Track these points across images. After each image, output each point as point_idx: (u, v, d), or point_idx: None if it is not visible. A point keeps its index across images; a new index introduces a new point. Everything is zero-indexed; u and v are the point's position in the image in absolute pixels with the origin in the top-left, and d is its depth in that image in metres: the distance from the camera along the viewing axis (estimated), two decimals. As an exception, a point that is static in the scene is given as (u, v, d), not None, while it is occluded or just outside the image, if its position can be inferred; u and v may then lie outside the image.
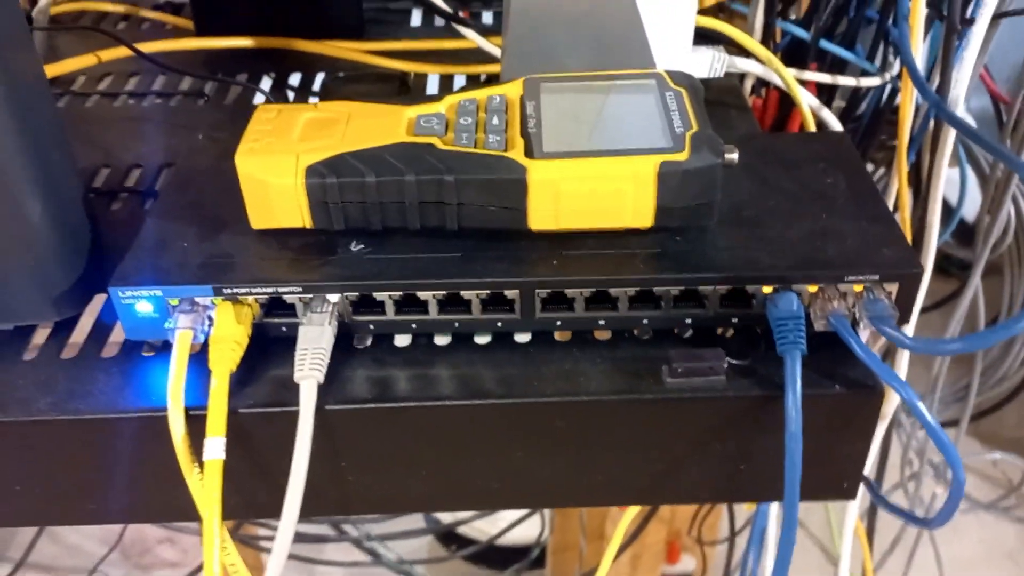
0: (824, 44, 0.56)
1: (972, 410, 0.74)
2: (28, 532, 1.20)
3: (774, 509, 0.74)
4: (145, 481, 0.34)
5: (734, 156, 0.33)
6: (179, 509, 0.33)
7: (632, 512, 0.55)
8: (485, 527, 1.09)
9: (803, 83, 0.55)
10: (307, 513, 0.33)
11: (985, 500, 1.01)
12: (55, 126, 0.35)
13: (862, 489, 0.55)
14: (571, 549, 1.11)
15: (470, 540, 1.13)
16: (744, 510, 0.89)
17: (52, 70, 0.51)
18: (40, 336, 0.35)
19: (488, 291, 0.33)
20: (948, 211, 0.75)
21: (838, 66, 0.58)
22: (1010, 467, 1.16)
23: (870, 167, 0.70)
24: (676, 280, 0.33)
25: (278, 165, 0.33)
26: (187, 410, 0.31)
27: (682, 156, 0.32)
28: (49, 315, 0.35)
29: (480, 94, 0.37)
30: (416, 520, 1.11)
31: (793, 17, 0.60)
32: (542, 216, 0.33)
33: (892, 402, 0.53)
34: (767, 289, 0.33)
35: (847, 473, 0.35)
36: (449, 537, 1.18)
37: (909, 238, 0.54)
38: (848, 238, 0.34)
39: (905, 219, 0.55)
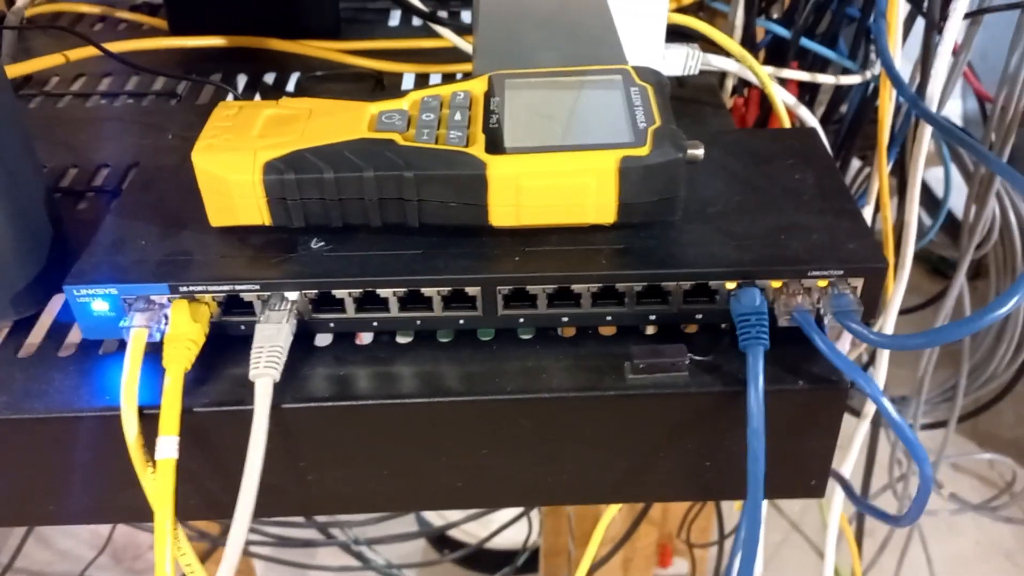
0: (805, 42, 0.56)
1: (961, 410, 0.73)
2: (16, 536, 1.20)
3: (762, 511, 0.73)
4: (103, 481, 0.33)
5: (699, 152, 0.33)
6: (137, 509, 0.32)
7: (612, 511, 0.54)
8: (476, 530, 1.09)
9: (783, 81, 0.55)
10: (267, 512, 0.33)
11: (978, 500, 1.00)
12: (15, 124, 0.34)
13: (842, 496, 0.55)
14: (562, 553, 1.10)
15: (461, 544, 1.12)
16: (735, 511, 0.88)
17: (25, 68, 0.50)
18: (-1, 335, 0.35)
19: (450, 288, 0.33)
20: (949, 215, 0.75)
21: (820, 64, 0.57)
22: (1004, 467, 1.15)
23: (858, 164, 0.70)
24: (639, 276, 0.33)
25: (236, 162, 0.33)
26: (141, 409, 0.31)
27: (644, 151, 0.32)
28: (7, 314, 0.34)
29: (444, 90, 0.36)
30: (407, 523, 1.11)
31: (776, 16, 0.60)
32: (503, 212, 0.33)
33: (872, 402, 0.53)
34: (730, 285, 0.33)
35: (814, 471, 0.34)
36: (440, 541, 1.18)
37: (891, 239, 0.53)
38: (813, 233, 0.34)
39: (886, 218, 0.54)
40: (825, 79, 0.55)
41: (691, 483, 0.35)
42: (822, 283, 0.32)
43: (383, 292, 0.33)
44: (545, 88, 0.36)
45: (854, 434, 0.56)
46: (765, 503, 0.73)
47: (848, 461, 0.56)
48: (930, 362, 0.66)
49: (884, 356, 0.52)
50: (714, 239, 0.34)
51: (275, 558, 0.97)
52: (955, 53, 0.53)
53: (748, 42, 0.57)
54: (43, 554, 1.26)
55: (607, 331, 0.34)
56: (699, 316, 0.34)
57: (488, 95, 0.36)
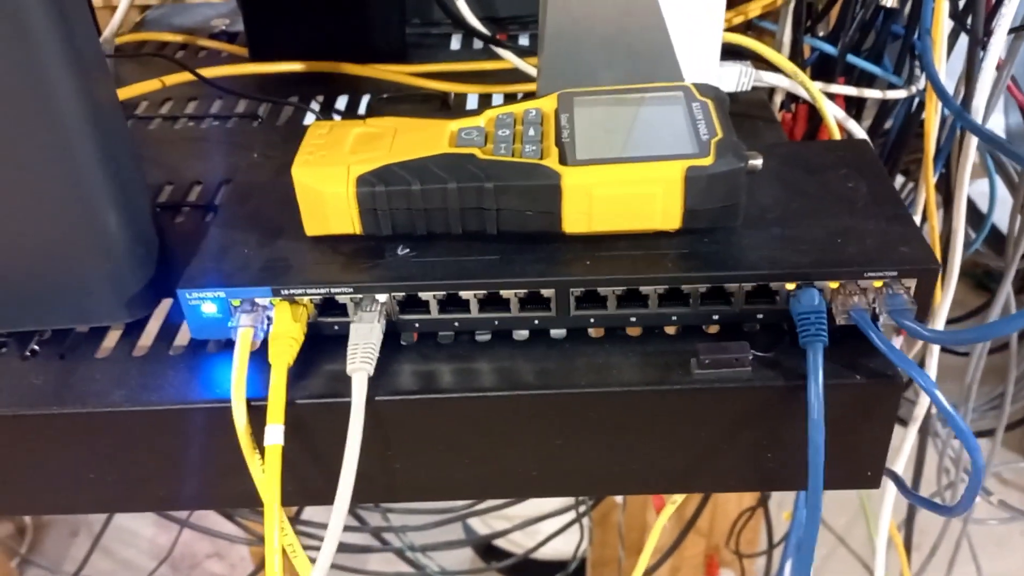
0: (851, 59, 0.58)
1: (1009, 419, 0.74)
2: (82, 547, 1.24)
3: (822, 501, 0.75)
4: (210, 469, 0.36)
5: (758, 162, 0.35)
6: (242, 495, 0.35)
7: (667, 514, 0.56)
8: (524, 540, 1.10)
9: (831, 96, 0.57)
10: (357, 499, 0.35)
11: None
12: (128, 143, 0.38)
13: (895, 496, 0.56)
14: (611, 563, 1.12)
15: (508, 553, 1.14)
16: (784, 521, 0.89)
17: (122, 94, 0.54)
18: (112, 337, 0.38)
19: (525, 291, 0.35)
20: (992, 228, 0.76)
21: (866, 81, 0.59)
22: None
23: (901, 179, 0.71)
24: (703, 278, 0.35)
25: (331, 175, 0.36)
26: (248, 401, 0.34)
27: (708, 161, 0.35)
28: (122, 316, 0.37)
29: (517, 108, 0.39)
30: (456, 531, 1.13)
31: (821, 34, 0.62)
32: (576, 219, 0.36)
33: (923, 404, 0.55)
34: (790, 286, 0.35)
35: (870, 462, 0.36)
36: (487, 551, 1.20)
37: (937, 248, 0.55)
38: (868, 237, 0.36)
39: (933, 227, 0.56)
40: (872, 93, 0.57)
41: (753, 474, 0.37)
42: (877, 284, 0.35)
43: (464, 294, 0.35)
44: (611, 104, 0.39)
45: (902, 442, 0.58)
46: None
47: (897, 467, 0.58)
48: (977, 369, 0.68)
49: (934, 360, 0.54)
50: (773, 243, 0.36)
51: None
52: (999, 67, 0.54)
53: (796, 59, 0.59)
54: (105, 563, 1.30)
55: (672, 330, 0.37)
56: (760, 316, 0.36)
57: (558, 112, 0.39)
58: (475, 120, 0.39)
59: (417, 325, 0.36)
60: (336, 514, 0.33)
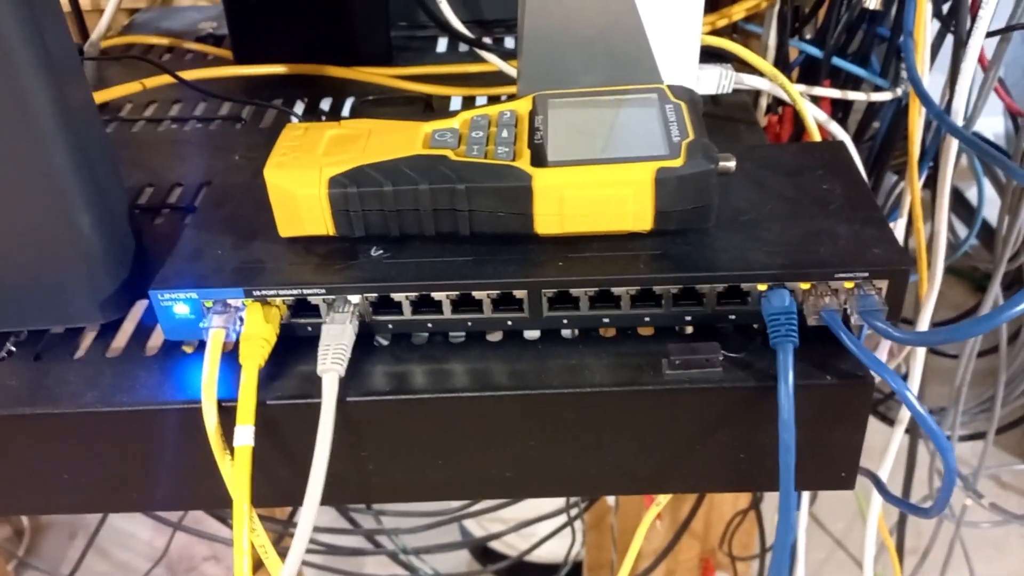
0: (837, 61, 0.58)
1: (1000, 421, 0.74)
2: (78, 549, 1.24)
3: (802, 522, 0.75)
4: (183, 470, 0.36)
5: (730, 164, 0.35)
6: (215, 496, 0.35)
7: (651, 515, 0.56)
8: (520, 543, 1.10)
9: (816, 99, 0.57)
10: (330, 500, 0.35)
11: (1022, 512, 1.00)
12: (104, 146, 0.38)
13: (880, 499, 0.56)
14: (605, 567, 1.12)
15: (504, 556, 1.14)
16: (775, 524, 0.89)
17: (102, 96, 0.54)
18: (87, 338, 0.38)
19: (498, 291, 0.35)
20: (987, 229, 0.76)
21: (853, 83, 0.59)
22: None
23: (894, 178, 0.71)
24: (675, 279, 0.35)
25: (303, 177, 0.36)
26: (220, 402, 0.34)
27: (678, 162, 0.35)
28: (96, 317, 0.38)
29: (492, 110, 0.39)
30: (451, 534, 1.13)
31: (808, 36, 0.62)
32: (548, 221, 0.36)
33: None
34: (762, 287, 0.35)
35: (843, 463, 0.36)
36: (483, 554, 1.20)
37: (923, 248, 0.55)
38: (840, 239, 0.36)
39: (919, 229, 0.56)
40: (856, 96, 0.57)
41: (727, 474, 0.37)
42: (848, 285, 0.35)
43: (437, 295, 0.35)
44: (586, 106, 0.39)
45: (889, 443, 0.58)
46: (808, 518, 0.74)
47: (884, 468, 0.58)
48: (967, 372, 0.67)
49: (918, 363, 0.54)
50: (746, 245, 0.36)
51: (325, 566, 1.00)
52: (986, 69, 0.54)
53: (781, 62, 0.59)
54: (102, 566, 1.30)
55: (645, 331, 0.37)
56: (732, 317, 0.36)
57: (532, 114, 0.39)
58: (449, 122, 0.39)
59: (390, 326, 0.36)
60: (305, 515, 0.33)
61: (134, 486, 0.37)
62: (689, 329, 0.37)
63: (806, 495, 0.75)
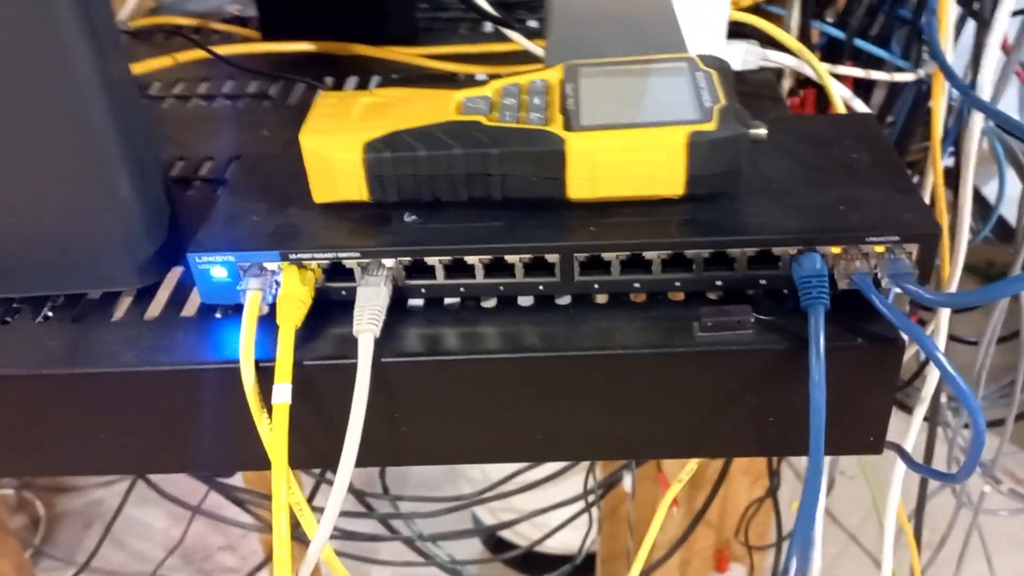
0: (859, 43, 0.58)
1: (1019, 407, 0.74)
2: (93, 538, 1.25)
3: (820, 513, 0.75)
4: (220, 430, 0.37)
5: (762, 131, 0.36)
6: (252, 456, 0.36)
7: (669, 497, 0.56)
8: (533, 532, 1.11)
9: (839, 79, 0.57)
10: (364, 462, 0.36)
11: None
12: (141, 116, 0.38)
13: (903, 483, 0.56)
14: (620, 557, 1.12)
15: (518, 545, 1.14)
16: (793, 512, 0.90)
17: (135, 70, 0.55)
18: (124, 302, 0.39)
19: (530, 256, 0.36)
20: (1003, 225, 0.76)
21: (875, 65, 0.60)
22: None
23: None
24: (706, 243, 0.35)
25: (339, 142, 0.36)
26: (257, 362, 0.34)
27: (710, 126, 0.35)
28: (133, 282, 0.38)
29: (523, 79, 0.40)
30: (464, 521, 1.14)
31: (830, 18, 0.62)
32: (580, 185, 0.36)
33: (929, 386, 0.55)
34: (792, 251, 0.35)
35: (872, 427, 0.36)
36: (498, 542, 1.20)
37: (945, 231, 0.55)
38: (870, 205, 0.36)
39: (941, 211, 0.56)
40: (879, 75, 0.57)
41: (757, 438, 0.37)
42: (879, 249, 0.35)
43: (470, 259, 0.36)
44: (616, 75, 0.39)
45: (908, 427, 0.58)
46: (822, 512, 0.74)
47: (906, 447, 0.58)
48: (987, 357, 0.67)
49: (942, 333, 0.53)
50: (776, 211, 0.36)
51: (341, 551, 1.00)
52: (1006, 51, 0.55)
53: (804, 44, 0.59)
54: (117, 555, 1.31)
55: (676, 296, 0.37)
56: (763, 281, 0.36)
57: (563, 82, 0.39)
58: (482, 90, 0.39)
59: (423, 290, 0.37)
60: (342, 471, 0.33)
61: (171, 447, 0.37)
62: (720, 295, 0.37)
63: (823, 487, 0.75)
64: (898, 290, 0.35)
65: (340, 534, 0.97)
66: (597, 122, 0.36)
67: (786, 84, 0.62)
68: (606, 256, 0.36)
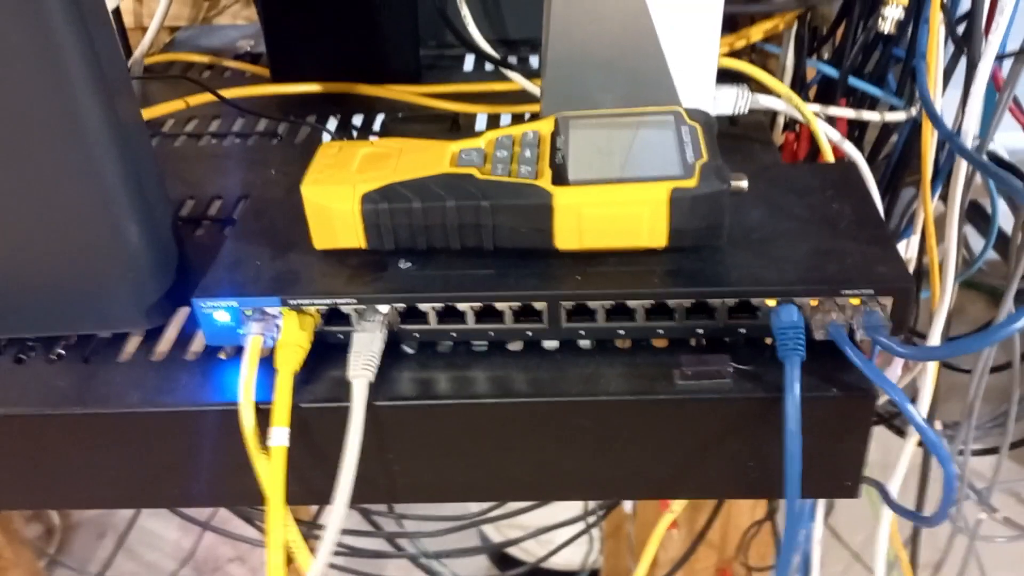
0: (853, 81, 0.59)
1: (1014, 436, 0.75)
2: (107, 548, 1.27)
3: (818, 534, 0.76)
4: (221, 468, 0.38)
5: (743, 184, 0.37)
6: (249, 494, 0.37)
7: (666, 521, 0.58)
8: (537, 549, 1.12)
9: (831, 119, 0.59)
10: (360, 499, 0.37)
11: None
12: (150, 159, 0.40)
13: (896, 514, 0.58)
14: (623, 575, 1.13)
15: (522, 562, 1.16)
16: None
17: (147, 114, 0.57)
18: (133, 342, 0.41)
19: (519, 303, 0.37)
20: (1005, 242, 0.77)
21: (871, 102, 0.61)
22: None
23: (912, 192, 0.72)
24: (688, 294, 0.37)
25: (338, 193, 0.38)
26: (257, 405, 0.36)
27: (692, 183, 0.36)
28: (141, 323, 0.40)
29: (516, 130, 0.41)
30: (470, 539, 1.15)
31: (827, 56, 0.63)
32: (567, 237, 0.38)
33: (922, 410, 0.56)
34: (770, 302, 0.37)
35: (847, 473, 0.38)
36: (503, 559, 1.21)
37: (936, 265, 0.56)
38: (847, 257, 0.37)
39: (932, 247, 0.57)
40: (870, 116, 0.58)
41: (736, 481, 0.38)
42: (854, 301, 0.36)
43: (461, 306, 0.37)
44: (605, 127, 0.41)
45: (900, 454, 0.59)
46: (825, 530, 0.75)
47: (895, 480, 0.59)
48: (979, 387, 0.68)
49: (928, 377, 0.55)
50: (756, 261, 0.38)
51: (347, 568, 1.02)
52: (1000, 90, 0.56)
53: (799, 82, 0.61)
54: (130, 565, 1.33)
55: (659, 343, 0.39)
56: (742, 330, 0.38)
57: (554, 134, 0.41)
58: (475, 141, 0.41)
59: (417, 335, 0.38)
60: (335, 512, 0.35)
61: (175, 482, 0.39)
62: (699, 342, 0.39)
63: (822, 506, 0.76)
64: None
65: (346, 551, 0.98)
66: (584, 176, 0.37)
67: (781, 120, 0.63)
68: (592, 304, 0.37)
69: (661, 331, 0.38)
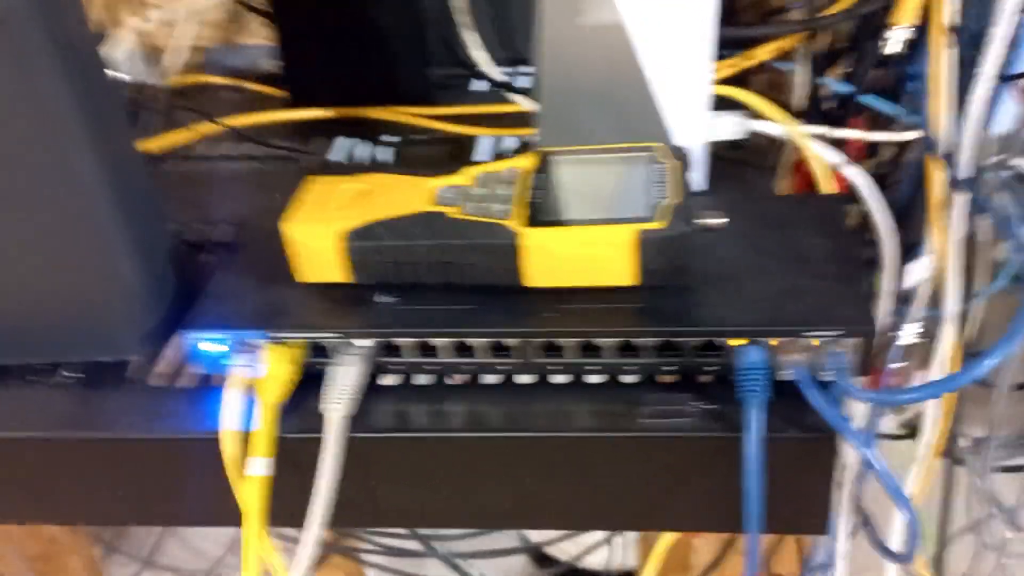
0: (866, 99, 0.58)
1: (1041, 455, 0.73)
2: (155, 533, 1.32)
3: (841, 547, 0.75)
4: (209, 491, 0.40)
5: (719, 221, 0.38)
6: (237, 515, 0.39)
7: (668, 538, 0.58)
8: (573, 549, 1.13)
9: (840, 142, 0.58)
10: (344, 523, 0.39)
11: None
12: (146, 193, 0.42)
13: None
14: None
15: (557, 560, 1.17)
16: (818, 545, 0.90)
17: (162, 141, 0.59)
18: (131, 367, 0.43)
19: (492, 340, 0.38)
20: None
21: (886, 121, 0.60)
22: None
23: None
24: (655, 333, 0.37)
25: (318, 232, 0.40)
26: (244, 434, 0.38)
27: (659, 225, 0.37)
28: (137, 350, 0.42)
29: (498, 166, 0.42)
30: (506, 539, 1.17)
31: (840, 74, 0.63)
32: (537, 275, 0.39)
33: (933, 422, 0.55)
34: (734, 342, 0.37)
35: (813, 509, 0.38)
36: (540, 560, 1.23)
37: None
38: (814, 296, 0.38)
39: (942, 270, 0.56)
40: (879, 137, 0.57)
41: (703, 515, 0.39)
42: (817, 342, 0.36)
43: (435, 342, 0.39)
44: (582, 165, 0.42)
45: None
46: (849, 545, 0.75)
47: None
48: (997, 404, 0.67)
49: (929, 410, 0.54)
50: (724, 300, 0.38)
51: (386, 567, 1.04)
52: None
53: (811, 100, 0.60)
54: (179, 552, 1.38)
55: (629, 379, 0.39)
56: (708, 368, 0.38)
57: (537, 171, 0.41)
58: (456, 178, 0.42)
59: (393, 368, 0.40)
60: (305, 539, 0.37)
61: (167, 502, 0.41)
62: (670, 379, 0.39)
63: (844, 522, 0.75)
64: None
65: (383, 550, 1.01)
66: (554, 217, 0.38)
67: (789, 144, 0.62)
68: (561, 342, 0.38)
69: (629, 368, 0.38)
